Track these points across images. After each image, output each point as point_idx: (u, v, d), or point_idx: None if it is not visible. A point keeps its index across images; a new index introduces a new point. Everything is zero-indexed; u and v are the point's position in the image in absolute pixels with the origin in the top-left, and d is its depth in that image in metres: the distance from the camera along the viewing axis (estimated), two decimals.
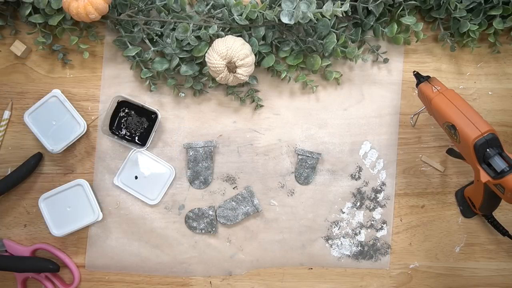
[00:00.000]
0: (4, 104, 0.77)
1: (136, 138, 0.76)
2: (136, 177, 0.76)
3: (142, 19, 0.71)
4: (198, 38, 0.70)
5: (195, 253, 0.76)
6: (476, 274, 0.77)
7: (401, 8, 0.72)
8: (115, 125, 0.76)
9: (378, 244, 0.77)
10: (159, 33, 0.72)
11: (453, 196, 0.77)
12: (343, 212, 0.77)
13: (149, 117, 0.75)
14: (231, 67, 0.67)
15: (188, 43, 0.70)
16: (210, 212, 0.76)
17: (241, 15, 0.68)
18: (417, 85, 0.69)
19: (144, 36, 0.72)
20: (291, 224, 0.76)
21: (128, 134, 0.76)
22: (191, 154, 0.75)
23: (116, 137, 0.75)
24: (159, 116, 0.74)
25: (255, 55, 0.71)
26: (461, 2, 0.72)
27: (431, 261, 0.77)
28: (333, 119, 0.77)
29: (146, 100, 0.76)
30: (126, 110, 0.75)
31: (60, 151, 0.74)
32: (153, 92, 0.76)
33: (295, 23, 0.65)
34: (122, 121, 0.76)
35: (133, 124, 0.76)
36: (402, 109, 0.77)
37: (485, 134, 0.60)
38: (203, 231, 0.76)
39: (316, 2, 0.63)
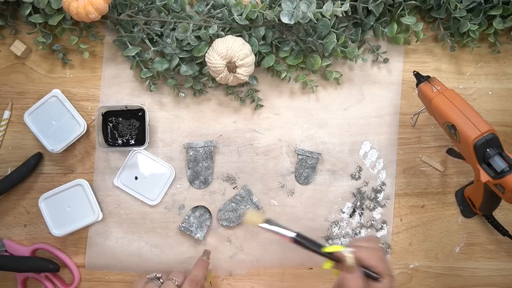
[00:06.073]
0: (4, 104, 0.77)
1: (133, 141, 0.76)
2: (136, 178, 0.76)
3: (142, 19, 0.71)
4: (198, 38, 0.70)
5: (195, 253, 0.76)
6: (476, 274, 0.77)
7: (401, 8, 0.72)
8: (109, 137, 0.76)
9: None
10: (159, 33, 0.72)
11: (453, 196, 0.77)
12: (343, 212, 0.77)
13: (137, 116, 0.75)
14: (231, 67, 0.67)
15: (188, 43, 0.70)
16: (207, 216, 0.76)
17: (241, 15, 0.68)
18: (417, 85, 0.69)
19: (144, 36, 0.72)
20: (291, 224, 0.76)
21: (125, 141, 0.76)
22: (191, 154, 0.75)
23: (115, 147, 0.75)
24: (146, 111, 0.73)
25: (255, 55, 0.71)
26: (461, 2, 0.72)
27: (431, 261, 0.77)
28: (333, 119, 0.77)
29: (146, 100, 0.76)
30: (113, 119, 0.75)
31: (60, 151, 0.74)
32: (153, 92, 0.76)
33: (295, 23, 0.65)
34: (114, 131, 0.76)
35: (125, 130, 0.75)
36: (402, 109, 0.77)
37: (485, 134, 0.60)
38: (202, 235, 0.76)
39: (316, 2, 0.63)
